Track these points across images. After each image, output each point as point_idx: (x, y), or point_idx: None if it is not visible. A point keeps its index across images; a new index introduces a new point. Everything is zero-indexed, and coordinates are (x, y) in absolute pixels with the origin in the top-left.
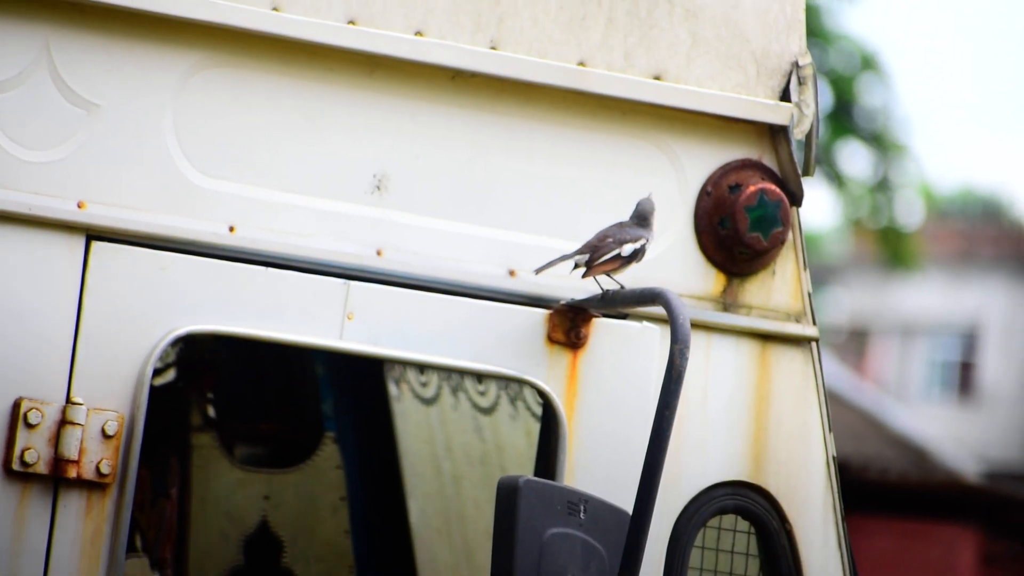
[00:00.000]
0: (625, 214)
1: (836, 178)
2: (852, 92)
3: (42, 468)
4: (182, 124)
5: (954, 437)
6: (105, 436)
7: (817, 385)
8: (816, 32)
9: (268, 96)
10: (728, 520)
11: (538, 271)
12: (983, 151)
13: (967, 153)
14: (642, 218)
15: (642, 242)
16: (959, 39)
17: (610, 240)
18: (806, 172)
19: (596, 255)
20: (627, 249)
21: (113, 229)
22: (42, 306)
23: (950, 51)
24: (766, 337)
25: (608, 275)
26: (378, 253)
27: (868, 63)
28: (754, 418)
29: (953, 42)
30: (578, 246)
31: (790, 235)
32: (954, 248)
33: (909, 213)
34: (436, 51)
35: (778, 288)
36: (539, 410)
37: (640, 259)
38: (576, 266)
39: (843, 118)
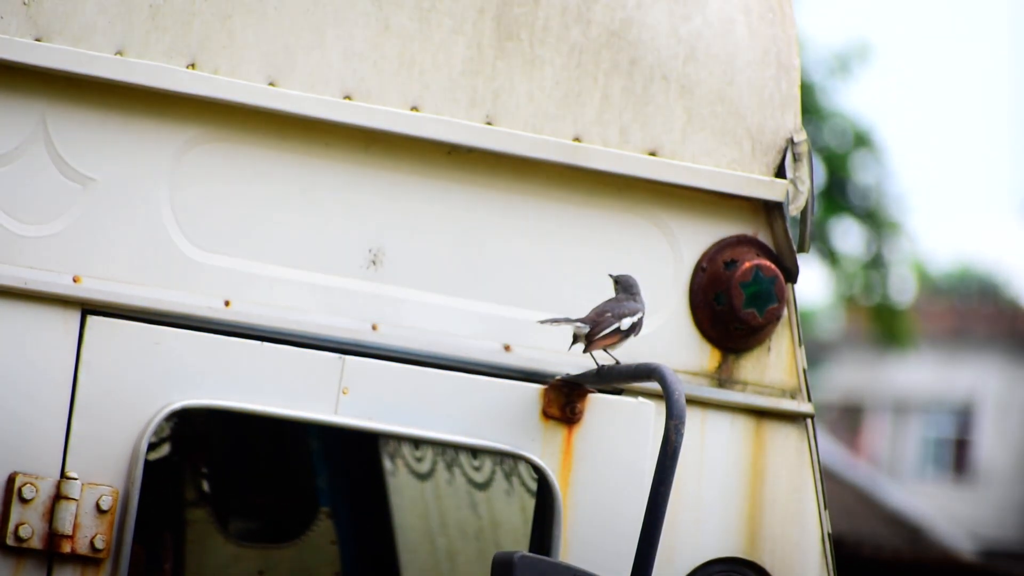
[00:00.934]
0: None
1: (829, 255)
2: (846, 169)
3: (36, 543)
4: (178, 198)
5: (949, 515)
6: (99, 511)
7: (812, 462)
8: (810, 109)
9: (264, 170)
10: None
11: (543, 322)
12: (979, 228)
13: (962, 230)
14: (631, 292)
15: (639, 315)
16: (957, 116)
17: (608, 315)
18: (801, 248)
19: (596, 329)
20: (626, 323)
21: (108, 303)
22: (37, 380)
23: (947, 127)
24: (761, 413)
25: (604, 350)
26: (373, 327)
27: (862, 140)
28: (749, 494)
29: (950, 118)
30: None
31: (785, 311)
32: (948, 326)
33: (902, 290)
34: (432, 126)
35: (773, 364)
36: (534, 485)
37: (638, 332)
38: (575, 340)
39: (836, 195)
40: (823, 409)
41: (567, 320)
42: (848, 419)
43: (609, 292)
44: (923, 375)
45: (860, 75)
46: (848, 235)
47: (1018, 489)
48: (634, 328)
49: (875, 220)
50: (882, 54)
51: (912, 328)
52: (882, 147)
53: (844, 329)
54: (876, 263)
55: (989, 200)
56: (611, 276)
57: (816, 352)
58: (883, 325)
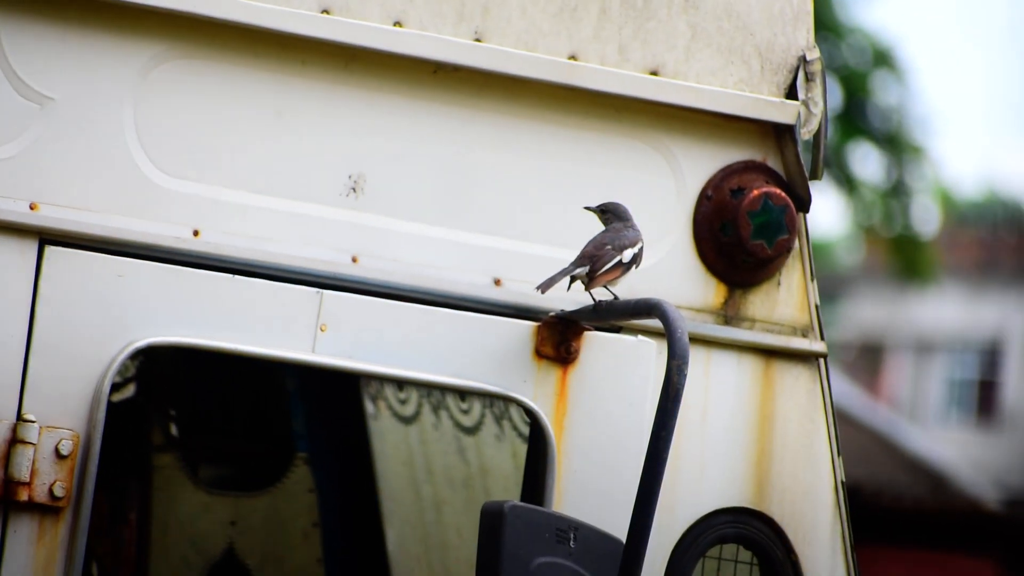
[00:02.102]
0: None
1: (847, 182)
2: (865, 89)
3: None
4: (143, 120)
5: (973, 461)
6: (59, 456)
7: (825, 404)
8: (826, 25)
9: (236, 90)
10: (729, 550)
11: (542, 289)
12: (1008, 153)
13: (990, 155)
14: (624, 219)
15: (639, 245)
16: (986, 30)
17: (609, 247)
18: (814, 175)
19: (598, 264)
20: (627, 255)
21: (68, 232)
22: None
23: (975, 43)
24: (770, 353)
25: (604, 286)
26: (353, 260)
27: (882, 58)
28: (757, 440)
29: (978, 33)
30: (569, 254)
31: (796, 243)
32: (974, 258)
33: (925, 220)
34: (416, 43)
35: (783, 300)
36: (526, 430)
37: (639, 264)
38: (572, 280)
39: (855, 118)
40: (840, 349)
41: (564, 273)
42: (867, 359)
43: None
44: (947, 311)
45: None
46: (867, 161)
47: None
48: (635, 260)
49: (896, 144)
50: None
51: (935, 261)
52: (904, 65)
53: (862, 262)
54: (897, 191)
55: (1020, 122)
56: (590, 209)
57: (832, 287)
58: (904, 258)
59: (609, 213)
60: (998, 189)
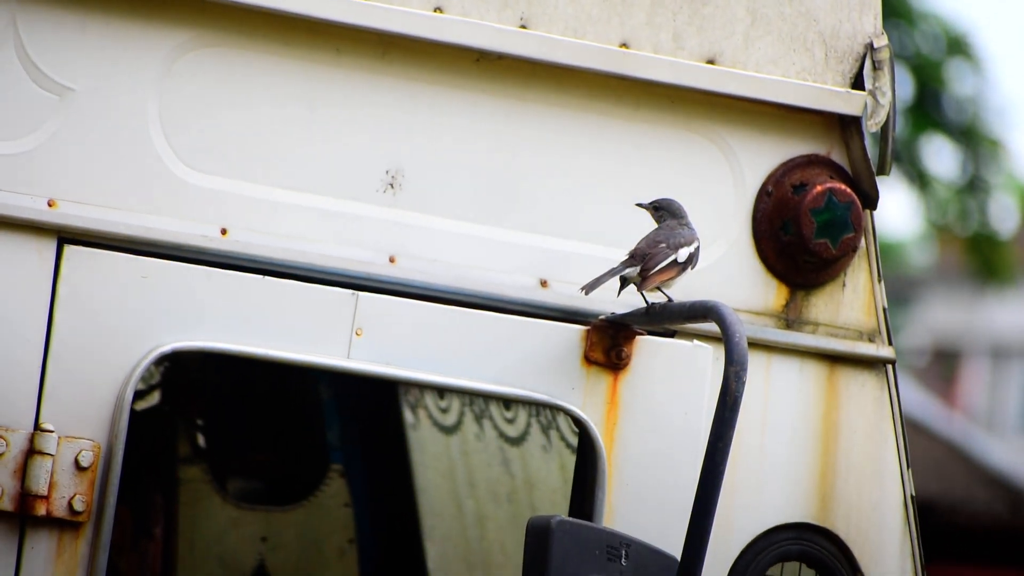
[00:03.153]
0: None
1: (919, 178)
2: (938, 79)
3: (7, 504)
4: (168, 112)
5: None
6: (79, 468)
7: (893, 414)
8: (896, 11)
9: (266, 81)
10: (791, 568)
11: (587, 290)
12: None
13: None
14: (679, 217)
15: (696, 244)
16: None
17: (663, 245)
18: (881, 170)
19: (650, 263)
20: (683, 254)
21: (88, 231)
22: (7, 319)
23: None
24: (834, 359)
25: (657, 287)
26: (391, 260)
27: (957, 46)
28: (820, 451)
29: None
30: (620, 254)
31: (862, 242)
32: None
33: (1003, 218)
34: (458, 29)
35: (848, 302)
36: (575, 440)
37: (695, 265)
38: (624, 284)
39: (927, 109)
40: (912, 354)
41: (612, 273)
42: (941, 366)
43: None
44: None
45: None
46: (941, 155)
47: None
48: (691, 260)
49: (972, 138)
50: None
51: (1014, 262)
52: (981, 54)
53: (936, 263)
54: (973, 187)
55: None
56: (642, 206)
57: (904, 290)
58: (981, 258)
59: (663, 210)
60: None
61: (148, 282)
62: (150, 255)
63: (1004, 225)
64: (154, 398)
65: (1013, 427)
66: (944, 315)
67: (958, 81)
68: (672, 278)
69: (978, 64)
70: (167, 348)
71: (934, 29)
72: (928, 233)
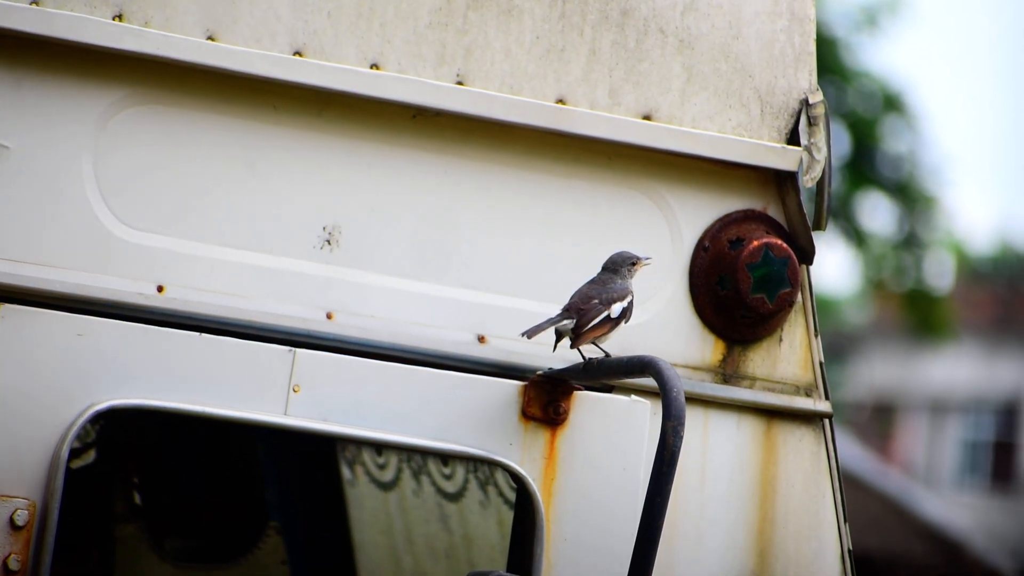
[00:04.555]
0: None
1: (855, 234)
2: (874, 136)
3: None
4: (103, 169)
5: (989, 528)
6: (14, 527)
7: (830, 468)
8: (832, 68)
9: (202, 138)
10: None
11: (528, 335)
12: (1018, 202)
13: (1007, 207)
14: (614, 270)
15: (629, 298)
16: (1000, 76)
17: (595, 301)
18: (817, 225)
19: (584, 320)
20: (616, 309)
21: (23, 289)
22: None
23: (989, 89)
24: (772, 413)
25: (593, 342)
26: (328, 316)
27: (892, 103)
28: (758, 506)
29: (993, 79)
30: (558, 309)
31: (799, 297)
32: (990, 315)
33: (939, 275)
34: (394, 86)
35: (785, 357)
36: (513, 496)
37: (628, 318)
38: (559, 338)
39: (863, 166)
40: (850, 410)
41: (549, 322)
42: (878, 421)
43: (595, 272)
44: (962, 371)
45: (890, 29)
46: (876, 212)
47: None
48: (625, 314)
49: (907, 194)
50: (915, 5)
51: (950, 317)
52: (915, 111)
53: (873, 319)
54: (909, 244)
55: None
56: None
57: (841, 346)
58: (918, 314)
59: (606, 261)
60: (1013, 242)
61: (84, 340)
62: (86, 313)
63: (940, 282)
64: (90, 456)
65: (950, 481)
66: (881, 371)
67: (894, 138)
68: (605, 333)
69: (913, 121)
70: (103, 406)
71: (870, 86)
72: (865, 289)
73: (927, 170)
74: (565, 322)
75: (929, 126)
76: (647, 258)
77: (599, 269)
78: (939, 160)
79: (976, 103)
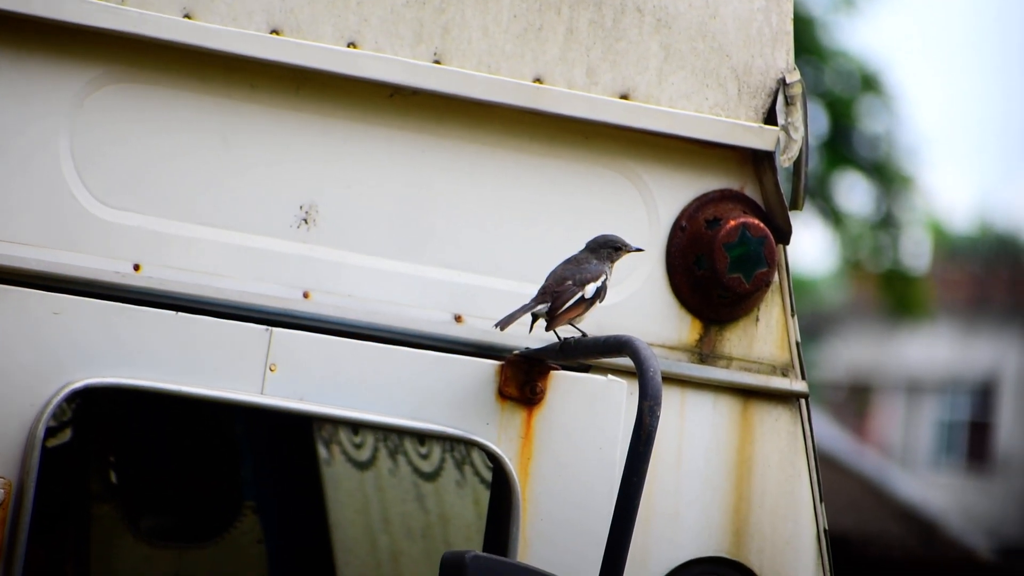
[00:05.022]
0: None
1: (832, 214)
2: (851, 116)
3: None
4: (80, 148)
5: (965, 508)
6: None
7: (806, 448)
8: (809, 48)
9: (179, 116)
10: None
11: (501, 326)
12: (1003, 184)
13: (985, 186)
14: (594, 250)
15: (603, 278)
16: (978, 56)
17: (570, 283)
18: (794, 205)
19: (558, 302)
20: (590, 290)
21: (0, 267)
22: None
23: (967, 70)
24: (748, 393)
25: (569, 323)
26: (305, 296)
27: (869, 83)
28: (734, 486)
29: (971, 59)
30: (535, 289)
31: (776, 276)
32: (967, 295)
33: (916, 255)
34: (372, 65)
35: (762, 337)
36: (489, 475)
37: (603, 298)
38: (534, 320)
39: (840, 146)
40: (826, 390)
41: (522, 310)
42: (854, 401)
43: (572, 252)
44: (938, 351)
45: (868, 9)
46: (854, 191)
47: None
48: (599, 294)
49: (884, 174)
50: None
51: (926, 298)
52: (893, 91)
53: (850, 299)
54: (886, 224)
55: (1013, 152)
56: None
57: (818, 326)
58: (894, 294)
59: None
60: (992, 222)
61: (60, 318)
62: (62, 291)
63: (916, 261)
64: (66, 435)
65: (926, 461)
66: (857, 351)
67: (871, 118)
68: (580, 315)
69: (889, 101)
70: (80, 384)
71: (847, 66)
72: (841, 270)
73: (904, 150)
74: (540, 307)
75: (906, 106)
76: (638, 248)
77: (581, 247)
78: (916, 140)
79: (957, 82)
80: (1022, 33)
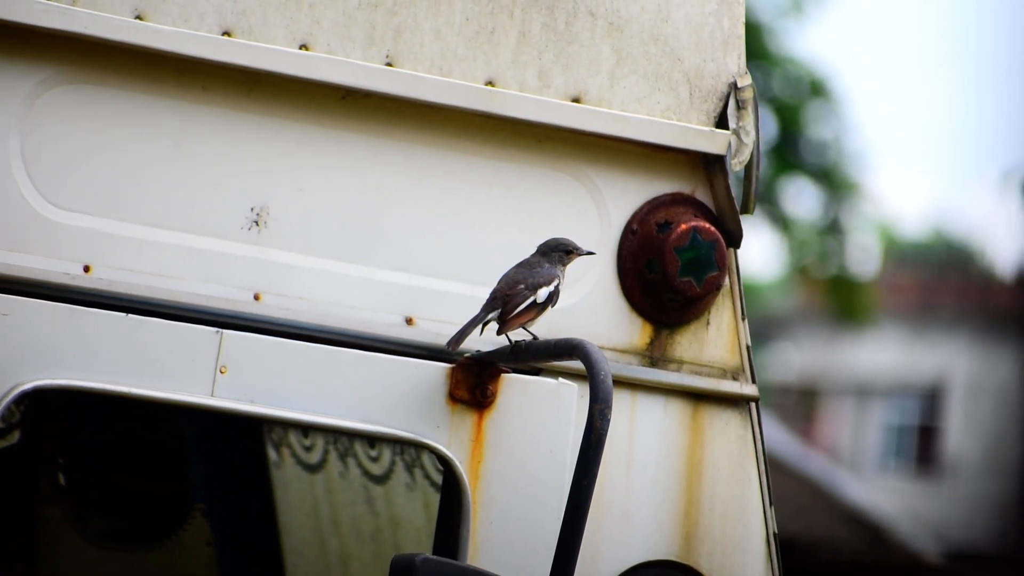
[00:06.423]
0: None
1: (780, 220)
2: (799, 122)
3: None
4: (30, 149)
5: (913, 512)
6: None
7: (756, 452)
8: (758, 53)
9: (131, 117)
10: None
11: (452, 345)
12: (952, 190)
13: (934, 192)
14: (545, 254)
15: (556, 282)
16: (927, 62)
17: (522, 286)
18: (745, 209)
19: (509, 306)
20: (542, 294)
21: None
22: None
23: (915, 76)
24: (699, 396)
25: (522, 326)
26: (256, 298)
27: (817, 89)
28: (684, 489)
29: (919, 66)
30: (486, 292)
31: (727, 280)
32: (914, 300)
33: (864, 260)
34: (324, 67)
35: (712, 340)
36: (439, 478)
37: (555, 302)
38: (485, 324)
39: (788, 152)
40: (775, 394)
41: (475, 322)
42: (803, 405)
43: (524, 255)
44: (886, 355)
45: (816, 15)
46: (801, 197)
47: (988, 484)
48: (551, 299)
49: (832, 180)
50: None
51: (874, 303)
52: (841, 97)
53: (798, 304)
54: (833, 229)
55: (963, 158)
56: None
57: (766, 330)
58: (842, 299)
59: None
60: (945, 229)
61: (9, 320)
62: (11, 293)
63: (864, 267)
64: (14, 437)
65: (874, 465)
66: (806, 355)
67: (819, 124)
68: (532, 319)
69: (837, 107)
70: (28, 386)
71: (795, 72)
72: (790, 275)
73: (852, 156)
74: (491, 315)
75: (854, 112)
76: (589, 252)
77: (533, 250)
78: (864, 146)
79: (916, 89)
80: (984, 43)
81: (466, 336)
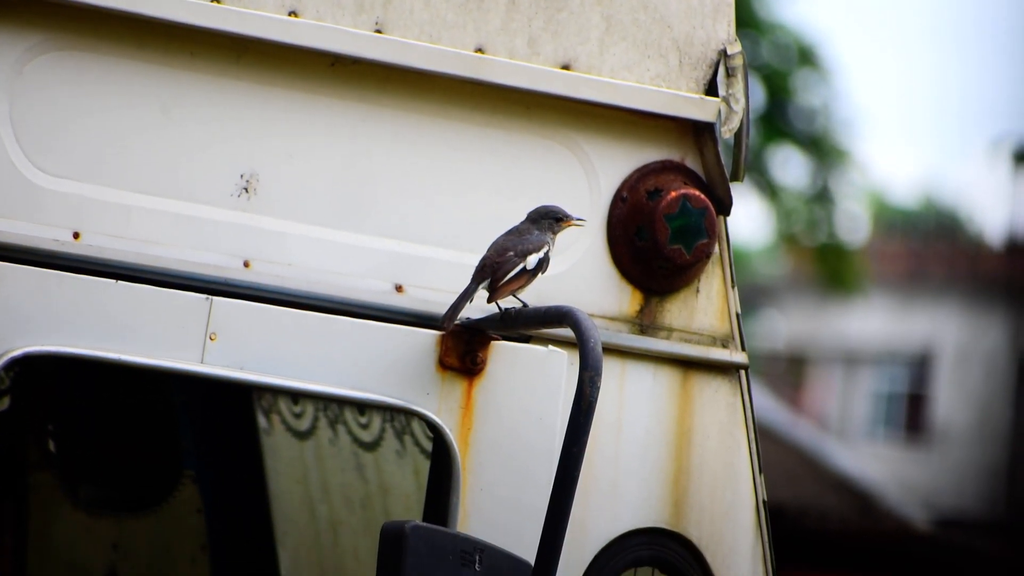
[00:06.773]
0: None
1: (769, 187)
2: (787, 89)
3: None
4: (19, 114)
5: (901, 479)
6: None
7: (746, 419)
8: (747, 20)
9: (119, 84)
10: (644, 573)
11: (445, 323)
12: (949, 158)
13: (924, 160)
14: (535, 221)
15: (545, 249)
16: (915, 29)
17: (511, 254)
18: (735, 177)
19: (499, 274)
20: (531, 261)
21: None
22: None
23: (904, 43)
24: (688, 364)
25: (512, 294)
26: (245, 265)
27: (806, 57)
28: (674, 457)
29: (908, 32)
30: (475, 259)
31: (716, 248)
32: (903, 268)
33: (852, 228)
34: (313, 34)
35: (702, 308)
36: (429, 445)
37: (545, 269)
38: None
39: (777, 119)
40: (763, 361)
41: (465, 296)
42: (791, 373)
43: (513, 222)
44: (875, 323)
45: None
46: (790, 165)
47: (976, 451)
48: (541, 266)
49: (821, 148)
50: None
51: (863, 271)
52: (830, 65)
53: (786, 272)
54: (822, 197)
55: (952, 125)
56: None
57: (755, 298)
58: (830, 267)
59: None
60: (934, 196)
61: None
62: (0, 259)
63: (853, 235)
64: (3, 403)
65: (861, 432)
66: (794, 323)
67: (807, 91)
68: (522, 286)
69: (826, 75)
70: (18, 353)
71: (784, 39)
72: (778, 243)
73: (841, 124)
74: (481, 284)
75: (843, 79)
76: (579, 219)
77: (523, 218)
78: (854, 114)
79: (910, 58)
80: (974, 11)
81: (459, 311)
